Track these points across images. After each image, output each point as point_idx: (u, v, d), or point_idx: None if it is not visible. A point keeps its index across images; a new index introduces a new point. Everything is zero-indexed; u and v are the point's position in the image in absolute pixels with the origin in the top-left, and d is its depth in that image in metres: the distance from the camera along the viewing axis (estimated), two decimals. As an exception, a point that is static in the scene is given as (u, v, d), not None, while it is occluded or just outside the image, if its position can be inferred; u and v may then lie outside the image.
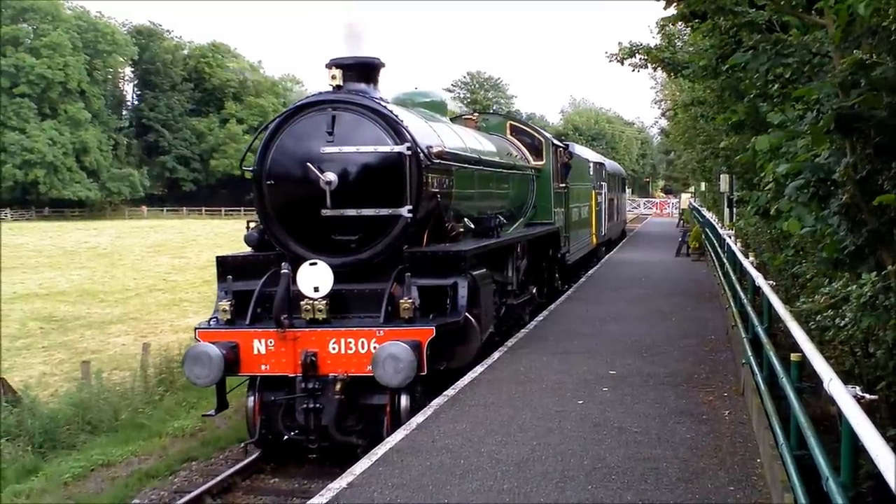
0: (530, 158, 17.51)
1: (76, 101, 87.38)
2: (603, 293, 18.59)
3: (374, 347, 9.40)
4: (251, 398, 10.11)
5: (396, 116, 10.55)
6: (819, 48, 7.07)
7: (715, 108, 16.44)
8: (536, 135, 18.31)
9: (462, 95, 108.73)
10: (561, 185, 18.99)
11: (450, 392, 9.64)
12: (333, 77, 10.66)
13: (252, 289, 10.40)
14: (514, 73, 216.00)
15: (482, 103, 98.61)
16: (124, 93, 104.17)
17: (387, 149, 10.35)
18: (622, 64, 17.10)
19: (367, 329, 9.70)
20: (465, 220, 12.35)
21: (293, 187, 10.56)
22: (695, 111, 21.65)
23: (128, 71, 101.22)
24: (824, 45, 6.94)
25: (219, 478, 9.88)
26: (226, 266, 10.88)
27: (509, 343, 12.54)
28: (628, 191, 64.84)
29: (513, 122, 18.57)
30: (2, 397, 14.09)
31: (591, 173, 25.53)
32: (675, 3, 10.11)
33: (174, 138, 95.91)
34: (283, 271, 10.03)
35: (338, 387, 9.50)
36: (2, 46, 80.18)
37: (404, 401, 9.54)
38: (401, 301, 9.83)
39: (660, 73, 26.29)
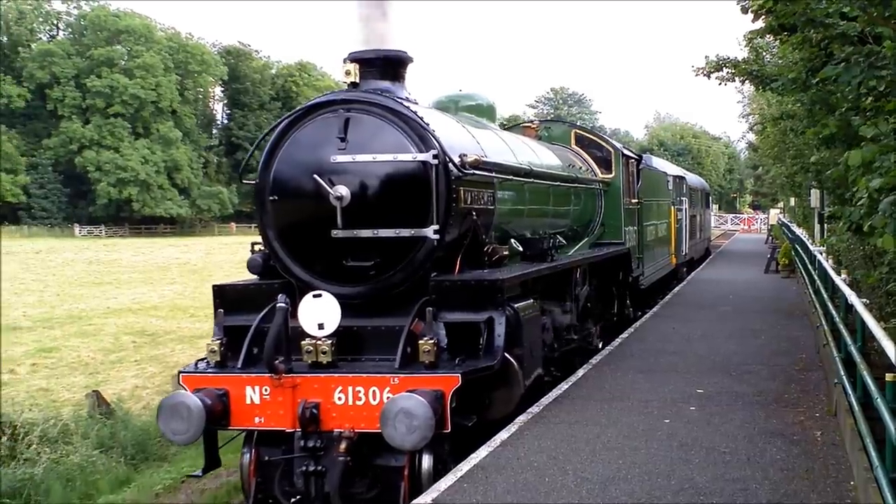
0: (598, 171, 15.79)
1: (168, 121, 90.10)
2: (689, 311, 18.31)
3: (388, 398, 7.74)
4: (246, 455, 8.57)
5: (422, 119, 8.81)
6: (914, 60, 6.91)
7: (805, 121, 16.15)
8: (605, 145, 16.53)
9: (545, 112, 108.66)
10: (633, 200, 17.22)
11: (534, 409, 9.56)
12: (348, 73, 8.95)
13: (249, 324, 8.78)
14: (599, 89, 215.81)
15: (566, 119, 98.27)
16: (214, 112, 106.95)
17: (408, 157, 8.62)
18: (708, 78, 16.96)
19: (379, 376, 8.01)
20: (512, 241, 10.68)
21: (299, 203, 8.97)
22: (784, 125, 21.32)
23: (217, 90, 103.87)
24: (920, 57, 6.78)
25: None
26: (224, 297, 9.33)
27: (594, 360, 12.42)
28: (714, 206, 63.86)
29: (578, 131, 16.60)
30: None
31: (670, 187, 23.91)
32: (763, 16, 10.00)
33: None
34: (279, 305, 8.36)
35: (343, 446, 7.81)
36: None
37: (426, 462, 7.94)
38: (420, 342, 8.11)
39: (747, 87, 25.96)
